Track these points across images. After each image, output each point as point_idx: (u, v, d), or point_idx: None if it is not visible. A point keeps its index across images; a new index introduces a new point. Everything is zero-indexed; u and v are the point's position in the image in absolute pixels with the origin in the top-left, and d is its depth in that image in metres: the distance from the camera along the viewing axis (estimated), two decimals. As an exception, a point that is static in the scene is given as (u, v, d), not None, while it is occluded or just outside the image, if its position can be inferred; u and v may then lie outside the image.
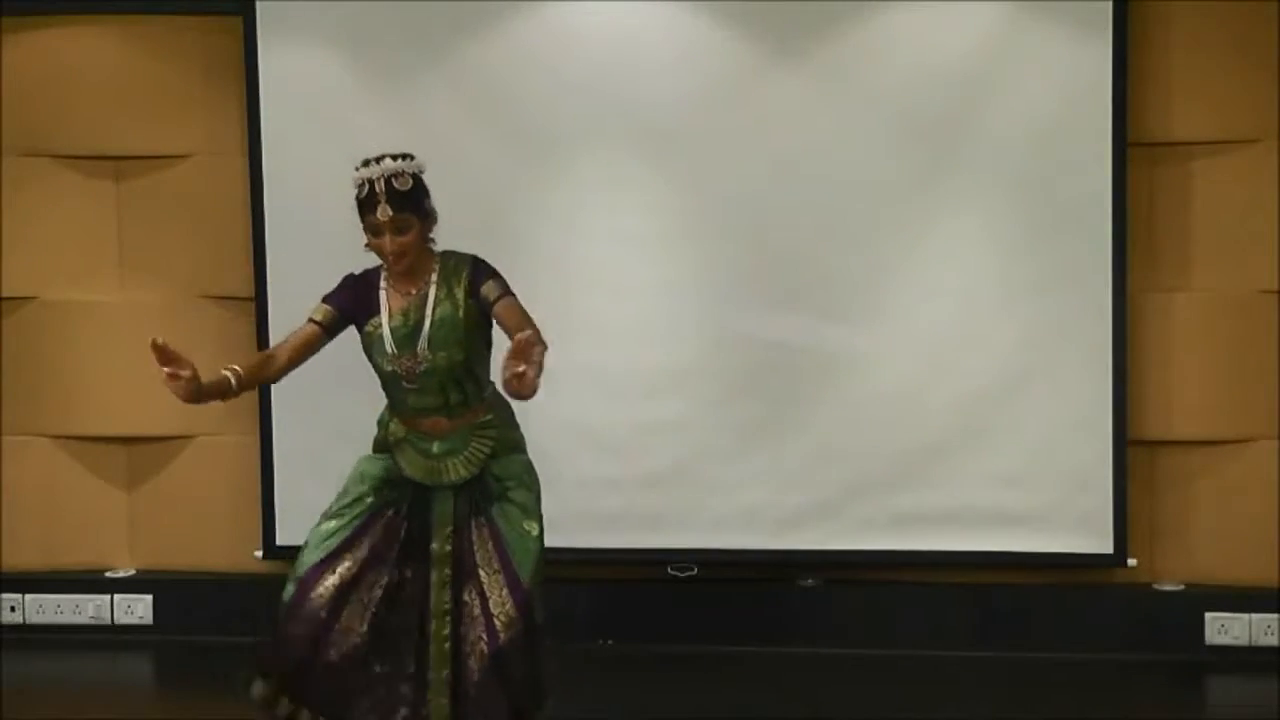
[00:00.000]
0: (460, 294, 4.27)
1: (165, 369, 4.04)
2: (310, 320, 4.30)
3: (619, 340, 5.95)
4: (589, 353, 5.94)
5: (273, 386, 6.01)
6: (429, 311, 4.26)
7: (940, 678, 5.77)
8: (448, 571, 4.31)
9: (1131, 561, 5.87)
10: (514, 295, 4.29)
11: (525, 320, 4.19)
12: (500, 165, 5.92)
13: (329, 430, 5.70)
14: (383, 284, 4.32)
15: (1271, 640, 5.85)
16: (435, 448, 4.31)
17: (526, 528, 4.35)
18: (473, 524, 4.33)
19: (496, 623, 4.25)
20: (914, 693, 5.63)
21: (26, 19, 6.13)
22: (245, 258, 6.04)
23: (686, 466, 5.98)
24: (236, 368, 4.25)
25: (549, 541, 5.91)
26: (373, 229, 4.23)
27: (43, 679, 5.89)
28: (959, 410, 5.87)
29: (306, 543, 4.35)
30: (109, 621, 6.24)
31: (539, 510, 4.42)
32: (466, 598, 4.30)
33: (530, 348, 3.85)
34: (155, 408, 6.22)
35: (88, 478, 6.29)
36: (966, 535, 5.89)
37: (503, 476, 4.35)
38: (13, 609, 6.25)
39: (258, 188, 6.00)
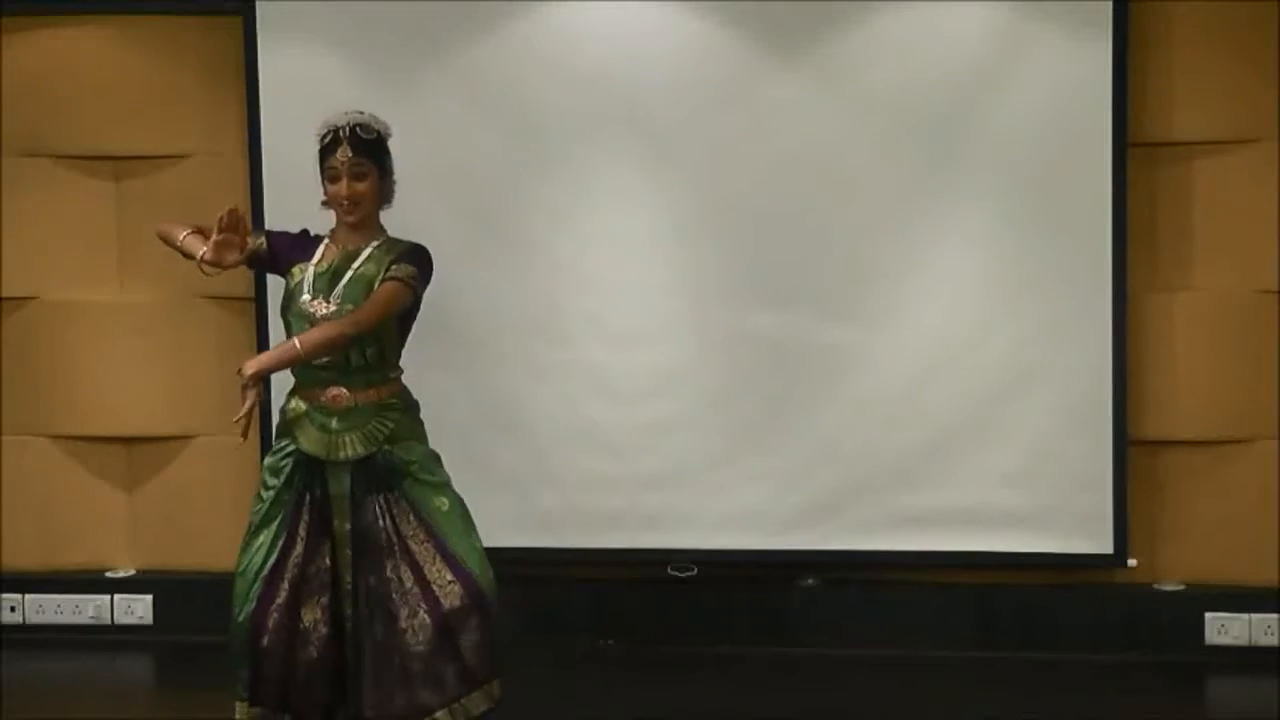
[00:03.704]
0: (388, 264, 4.35)
1: (217, 237, 4.25)
2: None
3: (619, 340, 5.95)
4: (588, 352, 5.95)
5: (273, 387, 5.98)
6: (355, 264, 4.36)
7: (940, 678, 5.77)
8: (348, 552, 4.35)
9: (1131, 561, 5.87)
10: (409, 287, 4.33)
11: (371, 308, 4.26)
12: (500, 165, 5.92)
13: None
14: (326, 239, 4.44)
15: (1271, 640, 5.85)
16: (335, 423, 4.35)
17: (437, 504, 4.38)
18: (383, 500, 4.35)
19: (436, 589, 4.29)
20: (914, 693, 5.63)
21: (26, 19, 6.13)
22: (245, 258, 6.04)
23: (686, 466, 5.97)
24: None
25: (548, 542, 5.99)
26: (331, 174, 4.37)
27: (43, 679, 5.89)
28: (959, 410, 5.87)
29: (245, 563, 4.39)
30: (109, 621, 6.24)
31: (449, 491, 4.43)
32: (393, 574, 4.32)
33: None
34: (155, 408, 6.26)
35: (88, 478, 6.29)
36: (966, 535, 5.89)
37: (409, 459, 4.38)
38: (13, 609, 6.25)
39: (258, 188, 6.00)
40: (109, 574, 6.29)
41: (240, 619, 4.36)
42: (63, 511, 6.30)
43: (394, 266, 4.34)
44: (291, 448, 4.39)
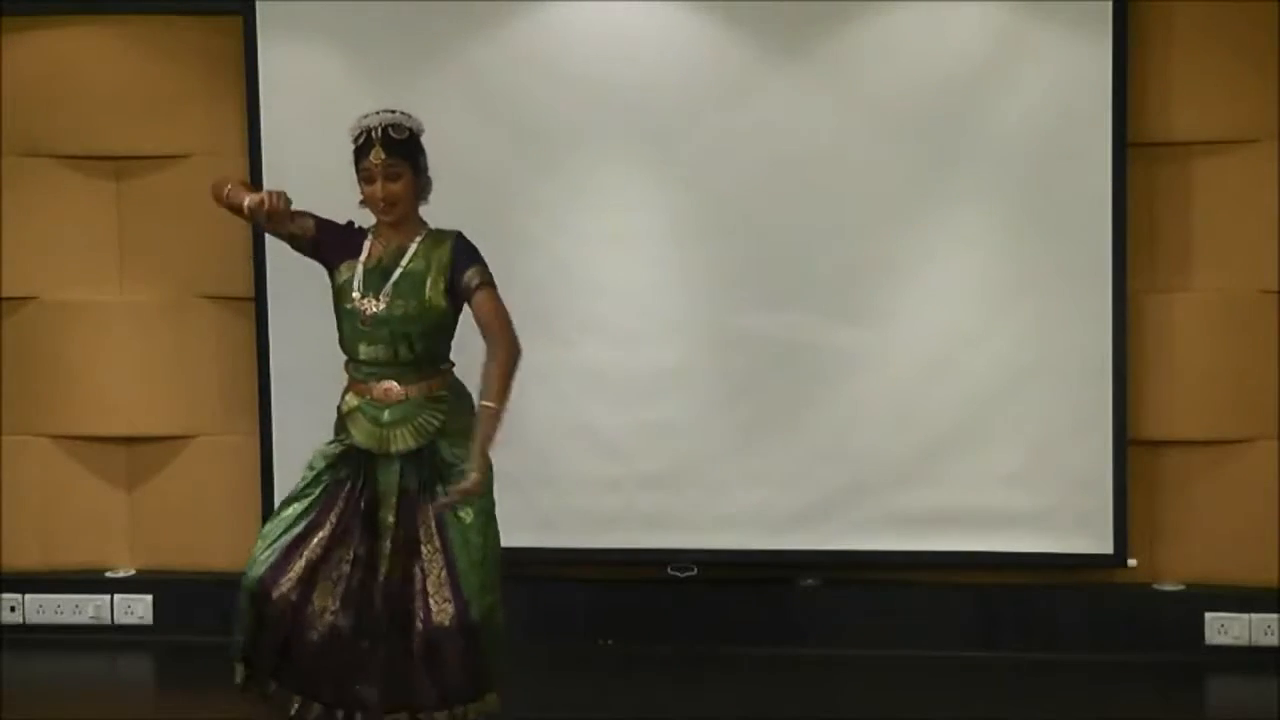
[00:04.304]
0: (435, 260, 4.37)
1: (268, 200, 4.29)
2: None
3: (619, 340, 5.96)
4: (589, 352, 5.95)
5: (273, 387, 6.05)
6: (403, 261, 4.38)
7: (940, 678, 5.77)
8: (387, 544, 4.37)
9: (1131, 561, 5.87)
10: (494, 286, 4.39)
11: (499, 322, 4.34)
12: (500, 164, 5.92)
13: (329, 431, 5.67)
14: (370, 235, 4.44)
15: (1271, 640, 5.85)
16: (386, 415, 4.36)
17: (461, 514, 4.37)
18: (420, 498, 4.37)
19: (432, 603, 4.32)
20: (914, 693, 5.63)
21: (26, 19, 6.13)
22: (245, 258, 6.04)
23: (686, 466, 5.97)
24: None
25: (548, 542, 5.98)
26: (366, 175, 4.37)
27: (43, 679, 5.89)
28: (959, 410, 5.87)
29: (269, 528, 4.41)
30: (109, 621, 6.24)
31: (481, 500, 4.41)
32: (416, 570, 4.35)
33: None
34: (155, 408, 6.26)
35: (88, 478, 6.29)
36: (966, 535, 5.89)
37: (451, 461, 4.38)
38: (13, 609, 6.25)
39: (257, 188, 5.97)
40: (109, 574, 6.29)
41: (249, 573, 4.36)
42: (63, 511, 6.30)
43: (465, 275, 4.35)
44: (346, 440, 4.42)
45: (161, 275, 6.21)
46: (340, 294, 4.41)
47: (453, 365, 4.48)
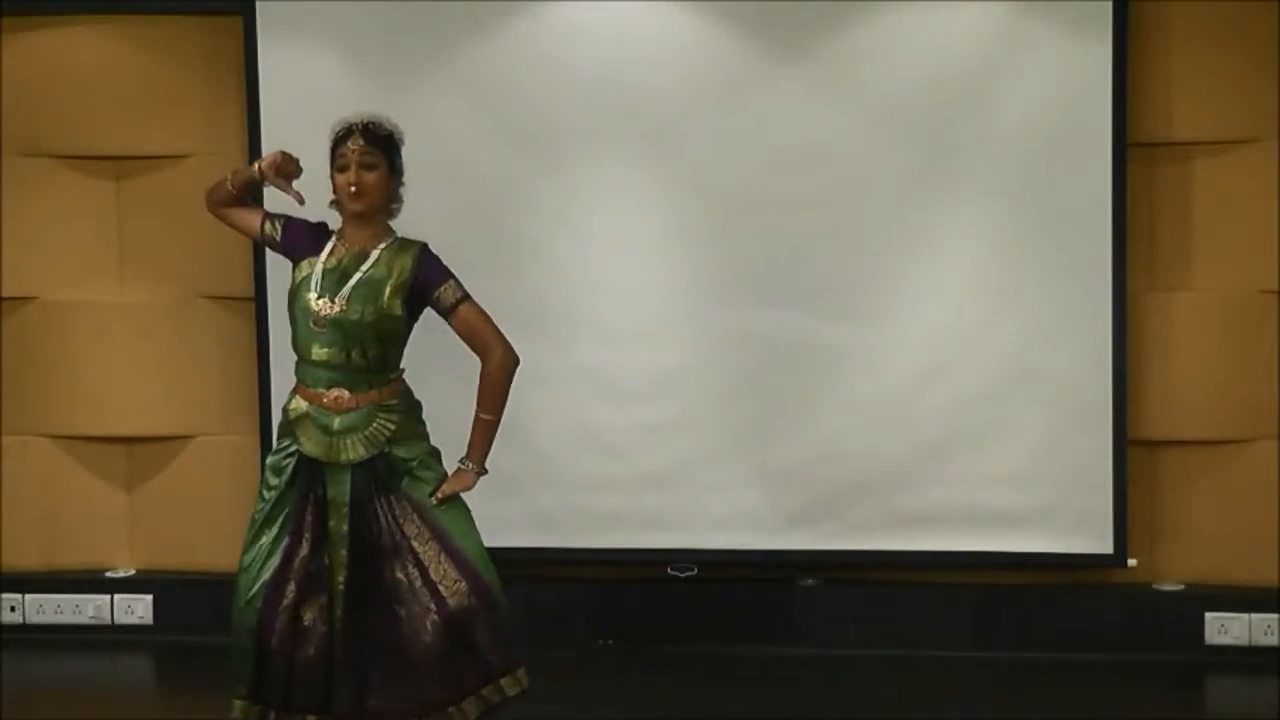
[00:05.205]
0: (397, 267, 4.36)
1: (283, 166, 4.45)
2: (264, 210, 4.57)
3: (619, 340, 5.96)
4: (589, 352, 5.95)
5: (273, 387, 6.03)
6: (364, 266, 4.35)
7: (940, 678, 5.77)
8: (344, 553, 4.34)
9: (1131, 561, 5.88)
10: (471, 299, 4.40)
11: (491, 331, 4.40)
12: (501, 165, 5.92)
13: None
14: (335, 235, 4.44)
15: (1271, 640, 5.85)
16: (336, 423, 4.34)
17: (431, 501, 4.38)
18: (384, 502, 4.35)
19: (443, 589, 4.30)
20: (914, 693, 5.64)
21: (26, 19, 6.13)
22: (245, 258, 6.04)
23: (687, 466, 5.97)
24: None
25: (548, 542, 6.00)
26: (341, 163, 4.38)
27: (43, 679, 5.89)
28: (959, 410, 5.87)
29: (249, 561, 4.37)
30: (109, 621, 6.24)
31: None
32: (401, 575, 4.32)
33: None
34: (155, 408, 6.26)
35: (88, 478, 6.29)
36: (966, 535, 5.89)
37: (407, 457, 4.37)
38: (13, 609, 6.25)
39: (256, 188, 5.99)
40: (109, 574, 6.29)
41: (244, 610, 4.35)
42: (63, 511, 6.30)
43: (439, 291, 4.36)
44: (293, 448, 4.38)
45: (161, 275, 6.21)
46: (296, 291, 4.40)
47: (402, 372, 4.46)
